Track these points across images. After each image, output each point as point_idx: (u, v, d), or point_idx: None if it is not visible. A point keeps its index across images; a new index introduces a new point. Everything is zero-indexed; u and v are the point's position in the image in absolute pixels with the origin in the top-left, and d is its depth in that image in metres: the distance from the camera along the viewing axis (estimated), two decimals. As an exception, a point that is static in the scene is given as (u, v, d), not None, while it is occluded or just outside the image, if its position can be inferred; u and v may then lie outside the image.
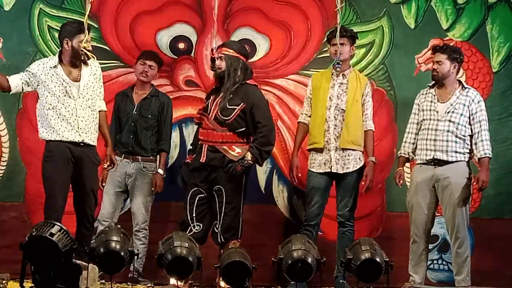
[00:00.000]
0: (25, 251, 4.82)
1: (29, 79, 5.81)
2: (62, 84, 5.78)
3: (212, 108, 6.00)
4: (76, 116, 5.79)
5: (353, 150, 6.14)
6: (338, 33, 6.04)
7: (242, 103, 5.96)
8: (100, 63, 6.44)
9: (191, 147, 6.24)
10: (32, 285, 4.91)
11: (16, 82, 5.81)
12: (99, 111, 5.96)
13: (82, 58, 5.80)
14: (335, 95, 6.18)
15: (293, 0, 6.81)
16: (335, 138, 6.12)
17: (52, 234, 4.77)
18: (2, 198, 6.56)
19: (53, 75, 5.79)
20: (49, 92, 5.76)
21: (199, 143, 6.04)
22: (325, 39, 6.57)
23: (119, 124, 6.39)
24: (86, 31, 5.71)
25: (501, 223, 6.73)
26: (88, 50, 5.75)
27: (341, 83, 6.21)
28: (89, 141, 5.83)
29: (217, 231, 5.93)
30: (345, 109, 6.14)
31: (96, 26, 6.55)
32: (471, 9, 6.81)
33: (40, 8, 6.68)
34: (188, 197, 5.97)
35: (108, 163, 5.95)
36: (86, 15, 5.72)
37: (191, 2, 6.79)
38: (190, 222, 5.93)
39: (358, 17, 6.82)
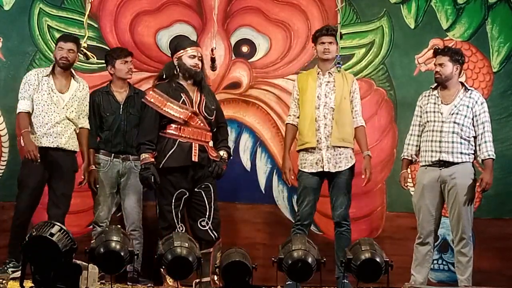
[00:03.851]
0: (25, 251, 4.81)
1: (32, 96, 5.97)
2: (49, 94, 5.91)
3: (199, 108, 5.90)
4: (55, 123, 5.92)
5: (344, 148, 6.11)
6: (339, 33, 6.02)
7: (215, 104, 5.99)
8: (100, 63, 6.45)
9: (149, 145, 5.81)
10: (32, 285, 4.90)
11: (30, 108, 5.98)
12: (80, 127, 6.10)
13: (82, 57, 5.83)
14: (323, 94, 6.15)
15: (293, 0, 6.81)
16: (325, 137, 6.08)
17: (52, 234, 4.76)
18: (2, 198, 6.55)
19: (44, 84, 5.93)
20: (38, 101, 5.92)
21: (183, 141, 5.82)
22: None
23: (101, 123, 6.30)
24: (86, 31, 5.71)
25: (501, 223, 6.73)
26: (89, 51, 5.77)
27: (328, 82, 6.16)
28: (66, 147, 5.99)
29: (205, 228, 5.88)
30: (334, 107, 6.11)
31: (96, 25, 6.54)
32: (471, 9, 6.82)
33: (40, 8, 6.68)
34: (173, 200, 5.84)
35: (83, 177, 6.10)
36: (86, 15, 5.72)
37: (191, 2, 6.80)
38: (176, 224, 5.88)
39: (358, 17, 6.82)
